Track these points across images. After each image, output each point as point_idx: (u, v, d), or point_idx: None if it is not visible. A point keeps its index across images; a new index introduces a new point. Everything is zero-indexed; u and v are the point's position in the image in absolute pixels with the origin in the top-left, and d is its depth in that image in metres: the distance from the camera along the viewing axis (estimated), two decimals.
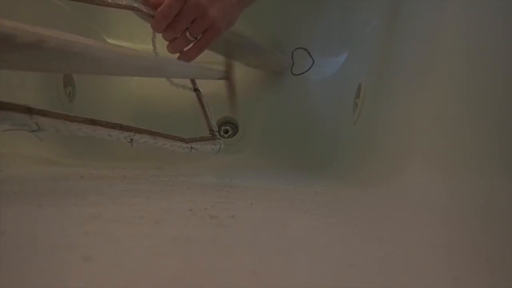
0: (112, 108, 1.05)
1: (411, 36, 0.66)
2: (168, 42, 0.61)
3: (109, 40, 1.09)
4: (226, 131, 1.11)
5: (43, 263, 0.19)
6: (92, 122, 0.45)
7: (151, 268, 0.20)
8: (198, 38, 0.61)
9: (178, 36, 0.60)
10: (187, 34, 0.60)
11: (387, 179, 0.56)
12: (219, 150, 0.66)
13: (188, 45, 0.61)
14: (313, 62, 1.10)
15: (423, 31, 0.62)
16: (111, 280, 0.18)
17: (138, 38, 1.04)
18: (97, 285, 0.18)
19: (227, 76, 0.71)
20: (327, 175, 0.79)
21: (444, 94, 0.53)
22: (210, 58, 0.70)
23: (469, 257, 0.25)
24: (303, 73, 1.10)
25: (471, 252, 0.26)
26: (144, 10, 0.57)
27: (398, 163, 0.57)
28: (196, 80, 0.71)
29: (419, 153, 0.54)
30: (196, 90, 0.70)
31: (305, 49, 1.09)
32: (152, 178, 0.60)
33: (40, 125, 0.37)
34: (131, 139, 0.49)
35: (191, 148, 0.59)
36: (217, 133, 0.67)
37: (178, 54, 0.62)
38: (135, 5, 0.57)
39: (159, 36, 0.62)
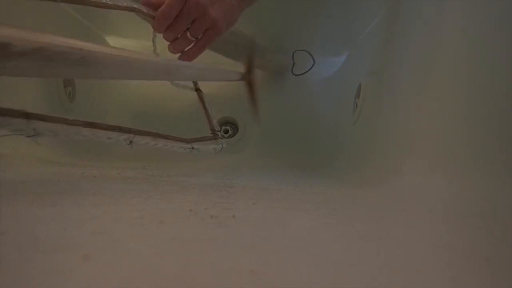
0: (112, 108, 1.06)
1: (411, 36, 0.66)
2: (169, 43, 0.61)
3: (109, 40, 1.10)
4: (226, 131, 1.11)
5: (43, 263, 0.19)
6: (91, 125, 0.44)
7: (151, 268, 0.20)
8: (198, 38, 0.61)
9: (179, 36, 0.60)
10: (188, 34, 0.60)
11: (387, 179, 0.56)
12: (221, 149, 0.66)
13: (189, 45, 0.61)
14: (314, 62, 1.10)
15: (423, 31, 0.62)
16: (111, 280, 0.18)
17: (138, 39, 1.05)
18: (98, 285, 0.18)
19: (248, 78, 0.69)
20: (327, 175, 0.79)
21: (444, 94, 0.53)
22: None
23: (469, 257, 0.25)
24: (304, 73, 1.10)
25: (470, 252, 0.26)
26: (145, 11, 0.57)
27: (398, 163, 0.57)
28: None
29: (419, 153, 0.54)
30: (197, 90, 0.70)
31: (306, 51, 1.09)
32: (152, 178, 0.60)
33: (38, 130, 0.37)
34: (131, 141, 0.49)
35: (192, 148, 0.59)
36: (219, 133, 0.67)
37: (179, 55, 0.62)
38: (136, 6, 0.57)
39: (159, 36, 0.62)
